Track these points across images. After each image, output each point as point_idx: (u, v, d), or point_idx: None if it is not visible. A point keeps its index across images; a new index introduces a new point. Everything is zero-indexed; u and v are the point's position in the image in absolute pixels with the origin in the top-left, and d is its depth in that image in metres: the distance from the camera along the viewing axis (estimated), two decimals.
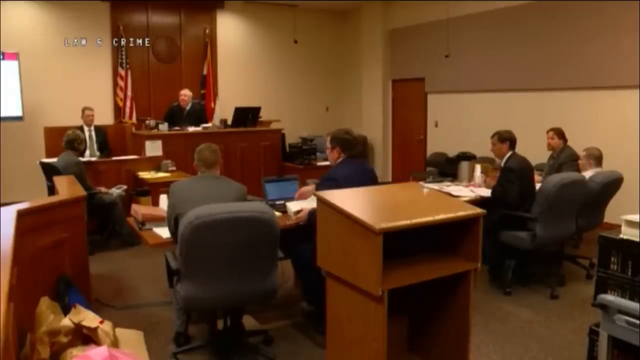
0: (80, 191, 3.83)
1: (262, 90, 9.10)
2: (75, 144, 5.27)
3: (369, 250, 2.19)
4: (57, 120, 6.95)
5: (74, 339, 2.57)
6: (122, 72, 7.99)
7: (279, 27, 9.31)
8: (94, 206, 4.95)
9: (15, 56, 7.04)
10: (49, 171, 5.01)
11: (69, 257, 3.40)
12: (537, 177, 4.78)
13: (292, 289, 4.17)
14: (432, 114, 8.66)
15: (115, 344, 2.70)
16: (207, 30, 8.76)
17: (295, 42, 9.17)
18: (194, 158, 3.25)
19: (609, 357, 2.34)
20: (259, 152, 7.49)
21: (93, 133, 6.64)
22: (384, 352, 2.25)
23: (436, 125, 8.57)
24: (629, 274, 2.45)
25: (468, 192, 4.61)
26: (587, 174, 4.64)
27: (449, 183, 5.07)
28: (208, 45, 8.74)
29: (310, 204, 3.43)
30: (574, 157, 5.13)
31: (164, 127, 6.88)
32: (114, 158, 6.37)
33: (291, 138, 8.23)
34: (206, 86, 8.71)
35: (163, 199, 3.79)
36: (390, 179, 9.18)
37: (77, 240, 3.55)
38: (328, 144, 3.53)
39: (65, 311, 2.76)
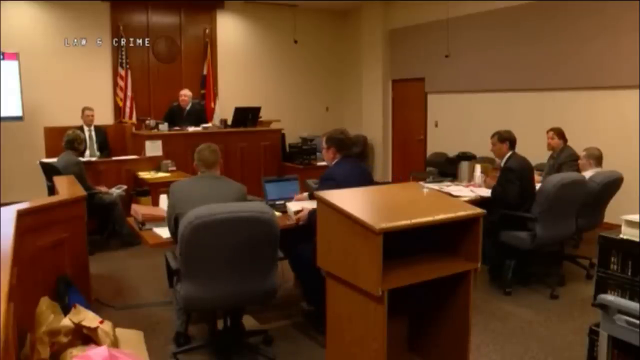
0: (80, 191, 3.83)
1: (262, 90, 9.10)
2: (75, 144, 5.27)
3: (369, 250, 2.19)
4: (57, 120, 6.95)
5: (74, 339, 2.57)
6: (122, 72, 7.99)
7: (279, 27, 9.31)
8: (94, 206, 4.95)
9: (15, 56, 7.04)
10: (49, 171, 5.02)
11: (69, 257, 3.40)
12: (537, 177, 4.78)
13: (292, 289, 4.17)
14: (432, 114, 8.66)
15: (115, 344, 2.70)
16: (207, 30, 8.77)
17: (295, 42, 9.17)
18: (194, 158, 3.25)
19: (609, 357, 2.34)
20: (259, 152, 7.49)
21: (93, 133, 6.64)
22: (384, 352, 2.25)
23: (436, 125, 8.57)
24: (629, 274, 2.45)
25: (468, 192, 4.61)
26: (587, 174, 4.64)
27: (449, 183, 5.07)
28: (208, 45, 8.74)
29: (310, 204, 3.44)
30: (574, 157, 5.13)
31: (164, 127, 6.88)
32: (114, 158, 6.37)
33: (291, 138, 8.23)
34: (206, 86, 8.71)
35: (163, 199, 3.79)
36: (390, 179, 9.18)
37: (77, 240, 3.55)
38: (324, 144, 3.58)
39: (65, 311, 2.76)
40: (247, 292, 2.86)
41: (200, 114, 7.64)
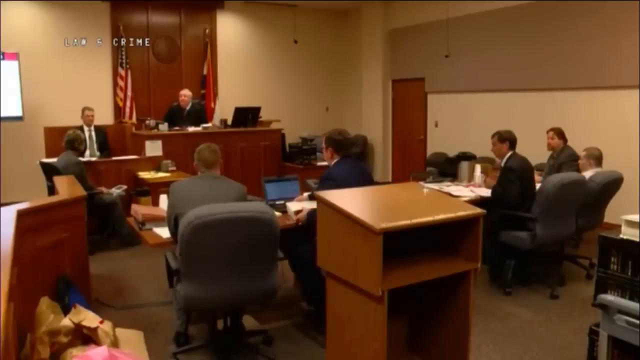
0: (80, 191, 3.83)
1: (262, 90, 9.10)
2: (75, 144, 5.27)
3: (369, 250, 2.19)
4: (57, 120, 6.95)
5: (74, 339, 2.57)
6: (122, 72, 7.99)
7: (279, 27, 9.31)
8: (94, 206, 4.95)
9: (15, 56, 7.04)
10: (49, 171, 5.01)
11: (69, 257, 3.40)
12: (537, 177, 4.78)
13: (292, 289, 4.16)
14: (432, 114, 8.66)
15: (115, 344, 2.70)
16: (207, 30, 8.77)
17: (295, 42, 9.18)
18: (194, 158, 3.25)
19: (609, 357, 2.34)
20: (259, 152, 7.49)
21: (93, 133, 6.64)
22: (384, 352, 2.25)
23: (436, 125, 8.57)
24: (629, 274, 2.45)
25: (468, 192, 4.61)
26: (587, 174, 4.64)
27: (449, 183, 5.07)
28: (208, 45, 8.74)
29: (310, 204, 3.45)
30: (574, 157, 5.13)
31: (164, 127, 6.88)
32: (114, 158, 6.37)
33: (291, 138, 8.23)
34: (206, 86, 8.71)
35: (163, 199, 3.79)
36: (390, 179, 9.18)
37: (77, 240, 3.55)
38: (323, 144, 3.60)
39: (65, 311, 2.76)
40: (247, 292, 2.86)
41: (200, 114, 7.64)
